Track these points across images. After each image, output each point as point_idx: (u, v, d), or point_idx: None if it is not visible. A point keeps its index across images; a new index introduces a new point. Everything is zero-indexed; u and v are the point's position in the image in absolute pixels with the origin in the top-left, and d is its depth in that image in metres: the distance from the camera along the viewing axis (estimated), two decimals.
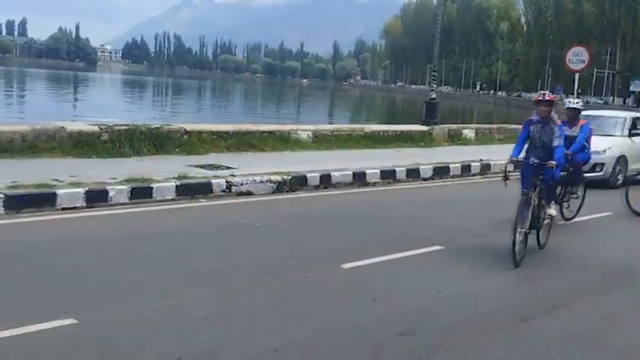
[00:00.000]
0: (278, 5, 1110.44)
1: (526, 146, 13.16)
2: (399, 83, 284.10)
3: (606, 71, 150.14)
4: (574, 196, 16.20)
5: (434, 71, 34.77)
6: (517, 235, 11.57)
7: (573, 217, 16.19)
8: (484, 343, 8.05)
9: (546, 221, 13.29)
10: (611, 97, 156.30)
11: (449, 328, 8.47)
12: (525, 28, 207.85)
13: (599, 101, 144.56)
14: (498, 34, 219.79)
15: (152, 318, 7.81)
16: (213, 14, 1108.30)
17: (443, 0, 41.17)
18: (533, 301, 9.85)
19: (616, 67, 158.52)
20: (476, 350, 7.85)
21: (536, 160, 12.74)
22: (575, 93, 42.14)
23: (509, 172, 12.97)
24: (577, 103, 16.86)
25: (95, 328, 7.41)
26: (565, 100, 17.35)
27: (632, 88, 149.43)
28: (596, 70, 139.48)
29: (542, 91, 13.48)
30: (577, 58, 36.85)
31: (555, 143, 12.51)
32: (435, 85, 34.33)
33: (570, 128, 15.81)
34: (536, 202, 12.39)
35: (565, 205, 16.00)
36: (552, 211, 13.69)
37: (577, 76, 38.86)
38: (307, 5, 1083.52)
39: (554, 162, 12.48)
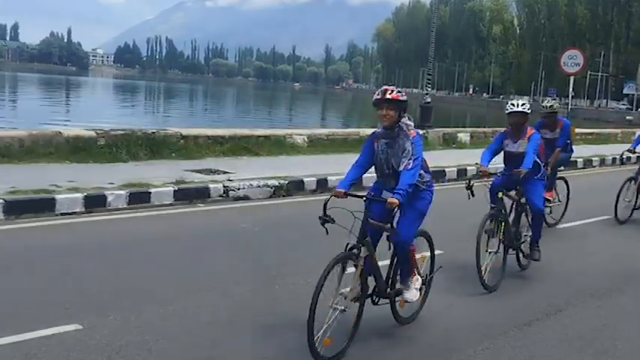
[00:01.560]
0: (270, 9, 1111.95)
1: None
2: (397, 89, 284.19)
3: (600, 74, 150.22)
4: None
5: (429, 74, 34.82)
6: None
7: (557, 223, 15.82)
8: (487, 347, 8.09)
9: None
10: (605, 100, 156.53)
11: (452, 333, 8.51)
12: (518, 30, 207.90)
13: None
14: (491, 37, 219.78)
15: (156, 323, 7.82)
16: (205, 18, 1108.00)
17: (437, 4, 41.26)
18: (534, 305, 9.87)
19: (609, 70, 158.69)
20: (479, 355, 7.88)
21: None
22: (570, 96, 42.33)
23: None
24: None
25: (100, 334, 7.41)
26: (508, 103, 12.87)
27: (625, 91, 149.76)
28: (589, 72, 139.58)
29: (385, 86, 8.47)
30: (572, 61, 36.90)
31: (401, 167, 8.13)
32: (429, 89, 34.38)
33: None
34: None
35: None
36: None
37: (572, 79, 38.96)
38: (299, 9, 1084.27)
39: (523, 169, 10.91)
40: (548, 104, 15.49)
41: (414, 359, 7.78)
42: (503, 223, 10.96)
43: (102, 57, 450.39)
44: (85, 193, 13.72)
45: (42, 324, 7.50)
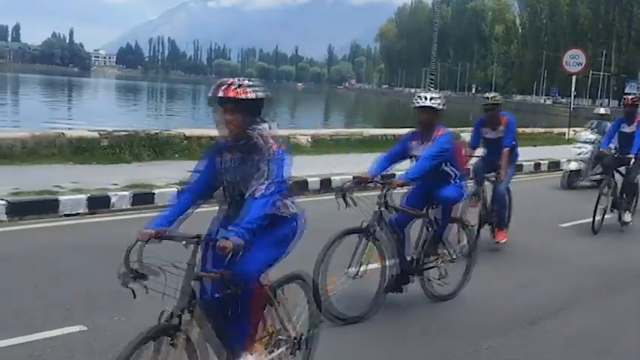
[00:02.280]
0: (272, 9, 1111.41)
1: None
2: (384, 86, 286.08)
3: (602, 73, 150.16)
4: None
5: (431, 74, 34.92)
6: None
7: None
8: (492, 346, 8.09)
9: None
10: (607, 100, 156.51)
11: (458, 331, 8.50)
12: (520, 30, 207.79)
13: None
14: (493, 37, 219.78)
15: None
16: (207, 18, 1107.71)
17: (439, 4, 41.31)
18: (539, 304, 9.86)
19: (611, 70, 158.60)
20: (482, 354, 7.87)
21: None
22: (572, 95, 42.32)
23: None
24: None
25: (104, 335, 7.40)
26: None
27: (627, 90, 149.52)
28: (591, 72, 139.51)
29: (224, 79, 5.89)
30: (574, 60, 37.03)
31: (249, 193, 5.72)
32: (432, 89, 34.37)
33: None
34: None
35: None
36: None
37: (574, 78, 38.99)
38: (301, 9, 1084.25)
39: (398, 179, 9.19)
40: (490, 95, 13.39)
41: (415, 358, 7.78)
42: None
43: (104, 58, 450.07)
44: (89, 194, 13.77)
45: (46, 325, 7.49)
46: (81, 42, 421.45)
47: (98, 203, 13.76)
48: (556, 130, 41.58)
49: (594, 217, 14.71)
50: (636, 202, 16.20)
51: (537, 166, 26.34)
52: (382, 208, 8.81)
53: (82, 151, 18.07)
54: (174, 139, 20.08)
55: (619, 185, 15.45)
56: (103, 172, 16.43)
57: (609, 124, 19.58)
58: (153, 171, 16.85)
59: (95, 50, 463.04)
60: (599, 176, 19.24)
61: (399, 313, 8.99)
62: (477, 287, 10.26)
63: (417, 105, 9.27)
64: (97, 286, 9.03)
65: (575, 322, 9.24)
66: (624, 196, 15.65)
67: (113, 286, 9.10)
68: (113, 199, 14.02)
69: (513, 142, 13.01)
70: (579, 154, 21.92)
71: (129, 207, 14.16)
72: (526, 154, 26.16)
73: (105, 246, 11.33)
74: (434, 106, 9.21)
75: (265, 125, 5.91)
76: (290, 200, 6.12)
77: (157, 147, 19.33)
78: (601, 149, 15.73)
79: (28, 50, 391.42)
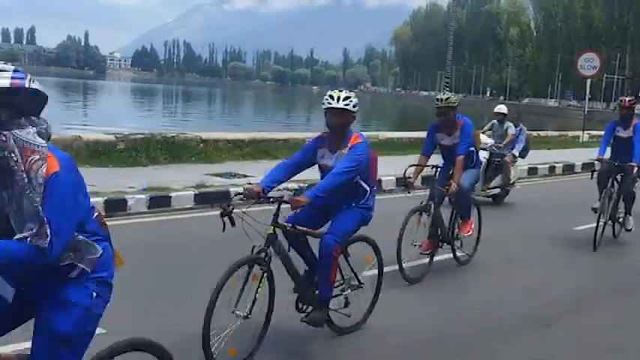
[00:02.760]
0: (287, 12, 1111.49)
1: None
2: (397, 89, 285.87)
3: (616, 77, 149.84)
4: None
5: (447, 78, 34.97)
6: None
7: (468, 260, 12.25)
8: (504, 349, 8.15)
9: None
10: None
11: (470, 334, 8.56)
12: (535, 33, 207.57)
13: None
14: (508, 40, 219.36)
15: (181, 328, 7.83)
16: (222, 21, 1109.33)
17: (454, 7, 41.35)
18: (553, 306, 9.92)
19: (625, 73, 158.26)
20: (497, 355, 7.94)
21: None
22: (586, 98, 42.29)
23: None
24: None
25: (125, 338, 7.45)
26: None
27: None
28: (605, 75, 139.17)
29: None
30: (589, 64, 37.03)
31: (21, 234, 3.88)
32: (447, 92, 34.50)
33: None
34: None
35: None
36: None
37: (588, 81, 39.00)
38: (317, 12, 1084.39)
39: None
40: (444, 96, 11.70)
41: (427, 359, 7.85)
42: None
43: (119, 60, 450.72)
44: (106, 197, 13.80)
45: None
46: (96, 45, 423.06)
47: (115, 206, 13.81)
48: (570, 133, 41.58)
49: (597, 233, 13.56)
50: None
51: (552, 169, 26.33)
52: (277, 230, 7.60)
53: (99, 154, 18.16)
54: (190, 142, 20.19)
55: (614, 196, 14.10)
56: (119, 175, 16.51)
57: (511, 127, 18.77)
58: (170, 174, 16.92)
59: (110, 53, 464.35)
60: (498, 190, 18.62)
61: (409, 316, 9.04)
62: (488, 288, 10.34)
63: (327, 106, 7.70)
64: (116, 289, 9.07)
65: (586, 324, 9.29)
66: (624, 202, 14.57)
67: (131, 289, 9.24)
68: (130, 202, 14.08)
69: (472, 149, 11.69)
70: None
71: (146, 210, 14.23)
72: (540, 158, 26.25)
73: (122, 249, 11.41)
74: (348, 108, 7.63)
75: (29, 130, 3.98)
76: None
77: (174, 150, 19.42)
78: (599, 157, 13.93)
79: (43, 53, 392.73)
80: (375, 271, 8.74)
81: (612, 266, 12.82)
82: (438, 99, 11.60)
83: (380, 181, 18.95)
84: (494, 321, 9.12)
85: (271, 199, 7.55)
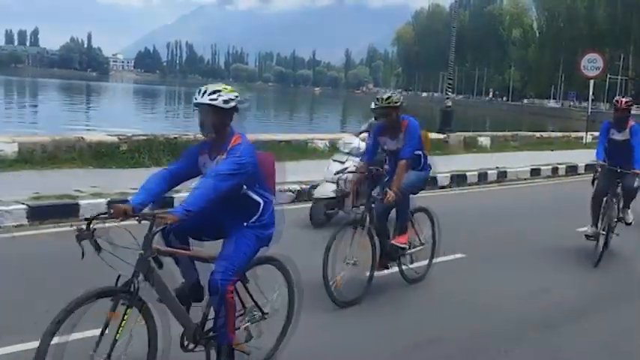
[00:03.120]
0: (289, 13, 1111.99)
1: None
2: (399, 90, 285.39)
3: (619, 77, 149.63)
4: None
5: (449, 79, 34.87)
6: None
7: (422, 277, 11.07)
8: (510, 350, 8.12)
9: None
10: None
11: (476, 335, 8.56)
12: (538, 34, 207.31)
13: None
14: (511, 41, 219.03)
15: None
16: (224, 22, 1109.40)
17: (457, 8, 41.35)
18: (556, 309, 9.90)
19: (629, 74, 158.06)
20: (503, 357, 7.92)
21: None
22: (590, 99, 42.23)
23: None
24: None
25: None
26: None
27: None
28: (609, 76, 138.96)
29: None
30: (592, 64, 37.03)
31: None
32: (450, 93, 34.52)
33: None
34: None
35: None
36: None
37: (592, 82, 38.95)
38: (319, 13, 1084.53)
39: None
40: (384, 96, 10.20)
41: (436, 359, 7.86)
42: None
43: (122, 62, 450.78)
44: (109, 198, 13.81)
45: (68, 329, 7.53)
46: (99, 46, 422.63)
47: None
48: (573, 135, 41.58)
49: (597, 247, 12.92)
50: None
51: (555, 170, 26.31)
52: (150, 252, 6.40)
53: (102, 155, 18.20)
54: (192, 143, 20.14)
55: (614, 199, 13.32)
56: (122, 176, 16.50)
57: None
58: None
59: (113, 55, 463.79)
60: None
61: (414, 320, 9.04)
62: (493, 292, 10.32)
63: (193, 101, 6.52)
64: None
65: (590, 328, 9.28)
66: (624, 198, 13.70)
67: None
68: None
69: (418, 152, 10.40)
70: (338, 172, 13.42)
71: (148, 211, 14.20)
72: (543, 159, 26.26)
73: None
74: (214, 104, 6.38)
75: None
76: None
77: (176, 151, 19.36)
78: (598, 161, 12.97)
79: (46, 55, 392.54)
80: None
81: (614, 269, 12.75)
82: (377, 98, 10.28)
83: None
84: (494, 324, 9.11)
85: (142, 218, 6.53)
